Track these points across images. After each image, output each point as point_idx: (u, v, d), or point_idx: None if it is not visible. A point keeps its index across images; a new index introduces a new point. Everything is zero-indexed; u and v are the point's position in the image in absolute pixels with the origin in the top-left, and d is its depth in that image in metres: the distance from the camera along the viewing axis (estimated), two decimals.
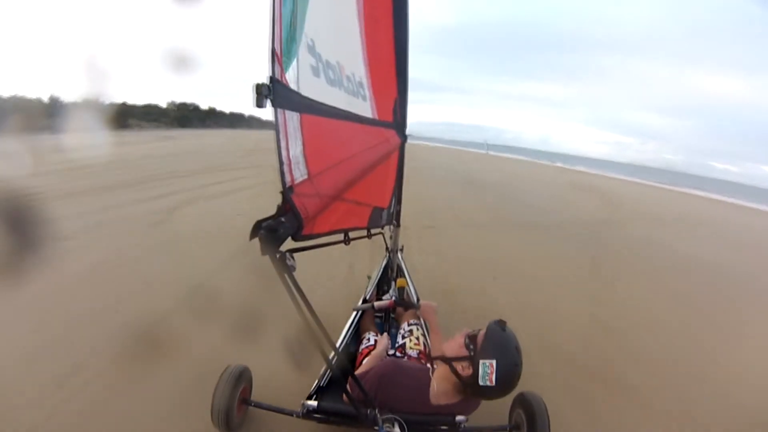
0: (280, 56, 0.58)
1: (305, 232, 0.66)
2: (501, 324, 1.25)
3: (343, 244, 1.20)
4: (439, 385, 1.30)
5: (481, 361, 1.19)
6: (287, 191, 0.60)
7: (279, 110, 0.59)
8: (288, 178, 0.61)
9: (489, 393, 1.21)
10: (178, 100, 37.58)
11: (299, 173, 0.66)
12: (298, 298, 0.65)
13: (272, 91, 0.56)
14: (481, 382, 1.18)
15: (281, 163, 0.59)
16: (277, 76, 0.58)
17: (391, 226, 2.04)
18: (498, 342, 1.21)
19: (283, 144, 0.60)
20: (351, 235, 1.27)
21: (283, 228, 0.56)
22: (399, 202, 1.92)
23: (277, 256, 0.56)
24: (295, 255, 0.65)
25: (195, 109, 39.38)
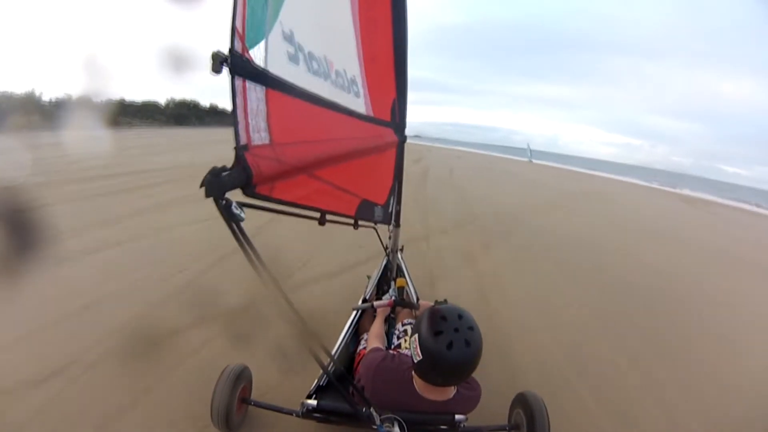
0: (242, 34, 0.68)
1: (260, 191, 0.73)
2: (437, 303, 1.25)
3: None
4: (416, 378, 1.29)
5: (411, 340, 1.20)
6: (240, 148, 0.68)
7: (237, 78, 0.68)
8: (243, 137, 0.70)
9: (427, 370, 1.18)
10: (178, 97, 36.46)
11: (259, 137, 0.75)
12: (249, 250, 0.72)
13: (230, 61, 0.65)
14: (415, 360, 1.18)
15: (236, 123, 0.68)
16: (238, 50, 0.68)
17: (391, 226, 2.07)
18: (424, 317, 1.20)
19: (240, 107, 0.69)
20: (340, 222, 1.33)
21: (228, 176, 0.63)
22: (399, 202, 1.96)
23: (223, 202, 0.63)
24: None
25: (195, 106, 37.73)
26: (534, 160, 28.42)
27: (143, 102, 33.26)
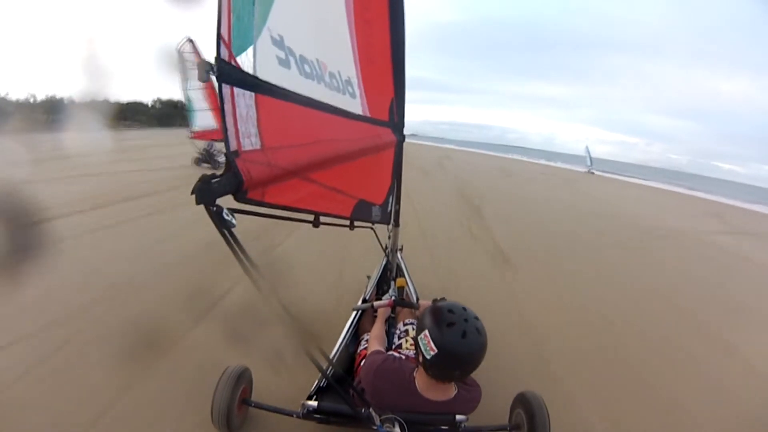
0: (228, 41, 0.69)
1: (251, 196, 0.74)
2: (436, 301, 1.26)
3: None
4: (420, 377, 1.30)
5: (418, 339, 1.20)
6: (231, 154, 0.69)
7: (225, 86, 0.68)
8: (234, 144, 0.70)
9: (443, 364, 1.17)
10: (165, 97, 33.63)
11: (249, 143, 0.75)
12: (241, 256, 0.72)
13: (217, 69, 0.66)
14: (427, 357, 1.18)
15: (226, 130, 0.69)
16: (225, 57, 0.68)
17: (390, 226, 2.07)
18: (428, 314, 1.20)
19: (229, 114, 0.69)
20: (336, 224, 1.34)
21: (218, 183, 0.64)
22: (398, 201, 1.96)
23: (214, 209, 0.64)
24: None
25: (182, 106, 36.74)
26: (593, 171, 22.08)
27: (128, 102, 31.30)
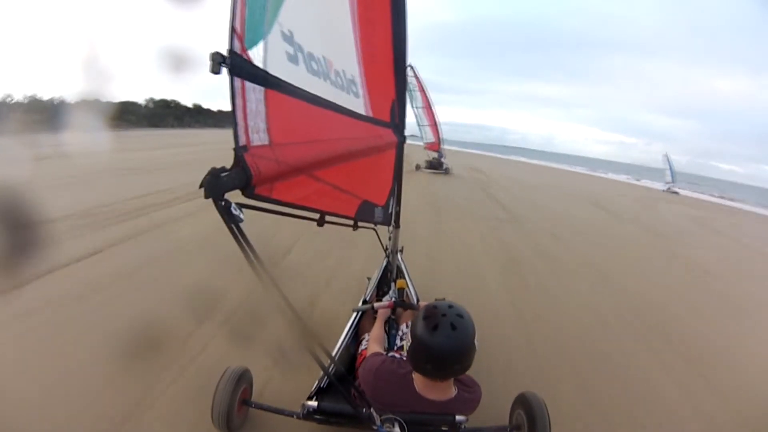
0: (240, 34, 0.68)
1: (259, 191, 0.73)
2: (437, 300, 1.28)
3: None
4: (416, 377, 1.30)
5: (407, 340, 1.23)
6: (240, 149, 0.68)
7: (236, 78, 0.67)
8: (243, 138, 0.69)
9: (417, 355, 1.19)
10: (158, 96, 33.45)
11: (258, 138, 0.74)
12: (247, 250, 0.71)
13: (229, 61, 0.65)
14: (408, 349, 1.20)
15: (235, 124, 0.68)
16: (237, 50, 0.68)
17: (390, 227, 2.07)
18: (420, 312, 1.22)
19: (239, 108, 0.69)
20: (340, 224, 1.33)
21: (227, 177, 0.63)
22: (399, 203, 1.96)
23: (222, 203, 0.63)
24: None
25: (175, 106, 34.19)
26: (677, 189, 17.18)
27: (120, 102, 30.14)
